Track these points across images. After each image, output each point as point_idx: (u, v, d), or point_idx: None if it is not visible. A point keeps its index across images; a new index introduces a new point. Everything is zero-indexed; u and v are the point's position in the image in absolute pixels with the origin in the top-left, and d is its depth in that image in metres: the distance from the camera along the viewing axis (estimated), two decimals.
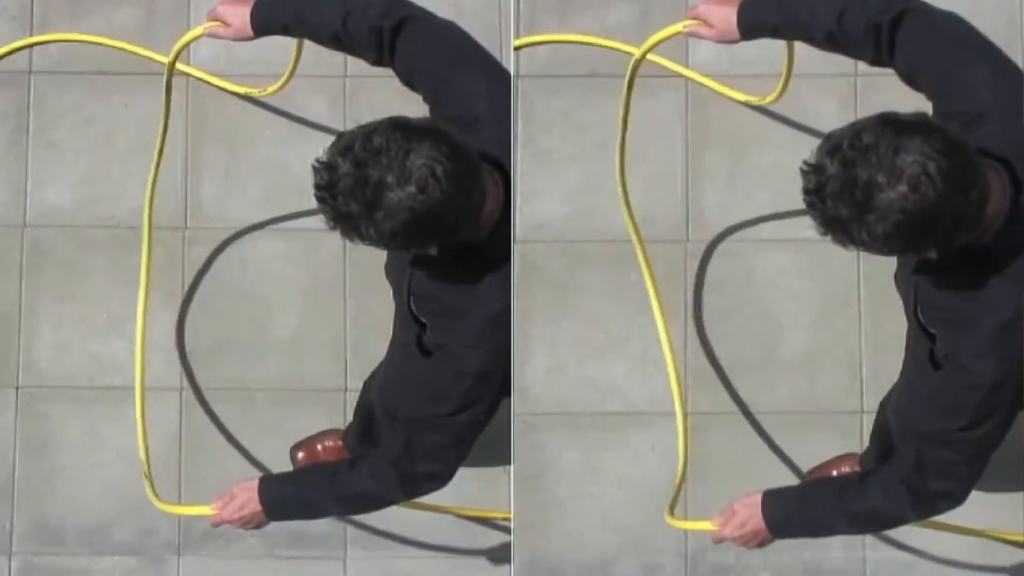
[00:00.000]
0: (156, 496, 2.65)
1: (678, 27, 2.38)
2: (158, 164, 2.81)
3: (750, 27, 2.26)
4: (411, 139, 1.92)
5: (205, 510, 2.45)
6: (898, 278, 2.23)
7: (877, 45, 2.14)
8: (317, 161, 1.95)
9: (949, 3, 2.18)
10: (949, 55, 2.11)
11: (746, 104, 3.20)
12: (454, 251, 2.06)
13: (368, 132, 1.93)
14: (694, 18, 2.32)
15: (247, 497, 2.39)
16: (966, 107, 2.05)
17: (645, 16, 3.29)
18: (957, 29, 2.14)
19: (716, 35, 2.30)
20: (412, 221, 1.91)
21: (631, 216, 2.67)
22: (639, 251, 2.68)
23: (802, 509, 2.29)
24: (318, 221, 1.97)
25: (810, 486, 2.34)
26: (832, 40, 2.19)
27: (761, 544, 2.34)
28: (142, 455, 2.74)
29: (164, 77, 2.64)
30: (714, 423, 3.15)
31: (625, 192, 2.67)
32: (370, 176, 1.90)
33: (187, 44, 2.52)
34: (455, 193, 1.92)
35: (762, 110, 3.22)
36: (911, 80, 2.16)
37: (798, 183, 1.89)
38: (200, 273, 3.25)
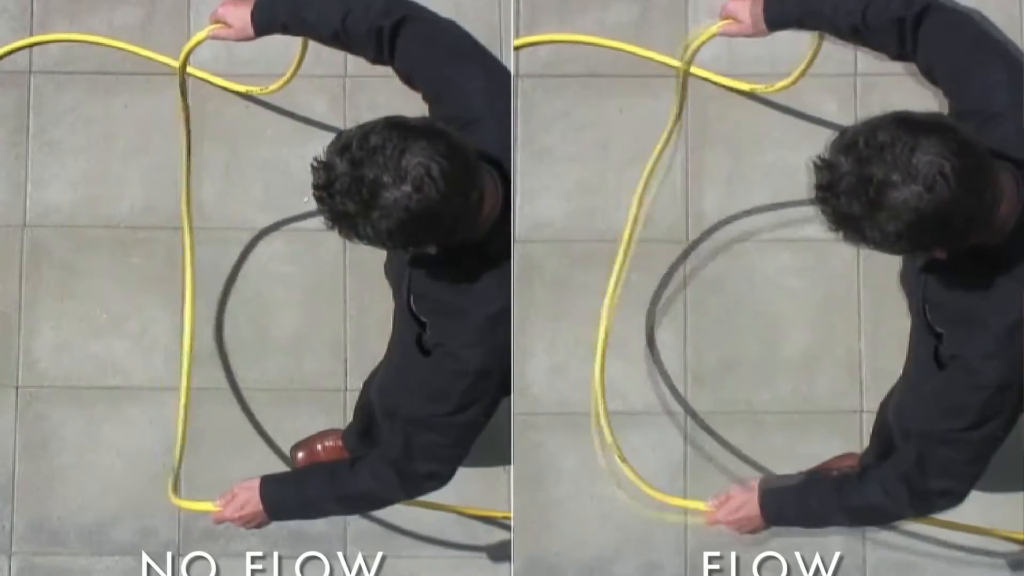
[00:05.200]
0: (174, 491, 2.68)
1: (714, 29, 2.41)
2: (188, 168, 2.84)
3: (776, 21, 2.29)
4: (407, 138, 1.91)
5: (209, 506, 2.47)
6: (904, 276, 2.23)
7: (901, 40, 2.15)
8: (315, 160, 1.95)
9: None
10: (967, 54, 2.11)
11: (751, 93, 3.19)
12: (453, 250, 2.05)
13: (365, 131, 1.93)
14: (725, 17, 2.35)
15: (248, 497, 2.39)
16: (981, 107, 2.06)
17: (645, 16, 3.29)
18: (977, 28, 2.14)
19: (746, 31, 2.33)
20: (409, 220, 1.91)
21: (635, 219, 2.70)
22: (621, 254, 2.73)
23: (799, 499, 2.30)
24: (318, 221, 1.97)
25: (808, 478, 2.35)
26: (857, 34, 2.20)
27: (754, 531, 2.35)
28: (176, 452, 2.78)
29: (177, 82, 2.67)
30: (714, 423, 3.15)
31: (641, 200, 2.70)
32: (366, 175, 1.90)
33: (193, 48, 2.53)
34: (452, 193, 1.92)
35: (762, 109, 3.22)
36: (930, 77, 2.16)
37: (798, 182, 1.89)
38: (200, 273, 3.24)
